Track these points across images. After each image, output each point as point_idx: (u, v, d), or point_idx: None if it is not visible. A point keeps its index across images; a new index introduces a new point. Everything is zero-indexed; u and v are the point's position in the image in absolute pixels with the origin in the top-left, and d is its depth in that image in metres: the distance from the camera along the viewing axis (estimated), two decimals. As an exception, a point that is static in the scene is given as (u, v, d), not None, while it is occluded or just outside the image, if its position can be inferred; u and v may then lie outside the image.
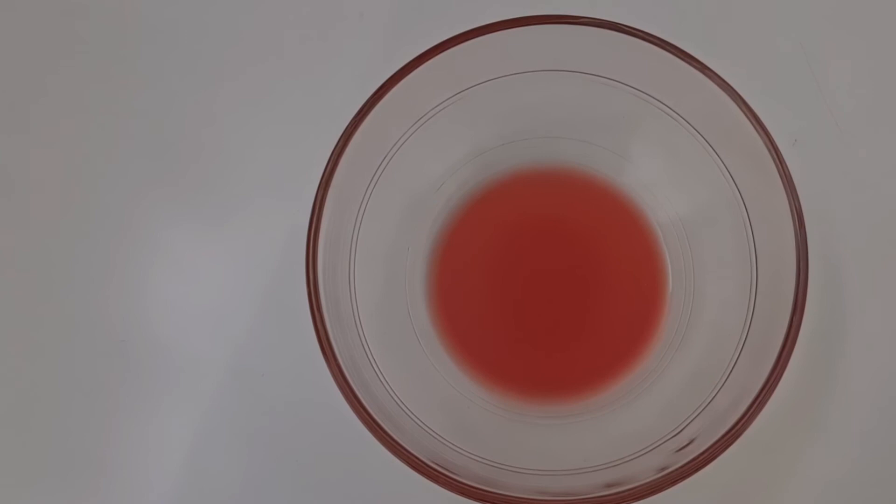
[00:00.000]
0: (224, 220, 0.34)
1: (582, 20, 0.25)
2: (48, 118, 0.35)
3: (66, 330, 0.34)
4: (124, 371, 0.34)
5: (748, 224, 0.28)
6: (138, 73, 0.35)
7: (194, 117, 0.35)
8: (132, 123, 0.35)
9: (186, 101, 0.35)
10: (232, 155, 0.34)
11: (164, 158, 0.35)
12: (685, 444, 0.26)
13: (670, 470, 0.25)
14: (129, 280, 0.34)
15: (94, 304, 0.34)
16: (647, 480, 0.25)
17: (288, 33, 0.35)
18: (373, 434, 0.25)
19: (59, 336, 0.34)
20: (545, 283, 0.32)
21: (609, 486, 0.25)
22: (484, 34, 0.26)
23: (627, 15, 0.26)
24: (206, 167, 0.34)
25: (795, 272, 0.25)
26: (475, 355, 0.32)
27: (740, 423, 0.25)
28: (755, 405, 0.25)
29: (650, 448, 0.27)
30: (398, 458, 0.25)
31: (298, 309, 0.26)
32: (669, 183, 0.31)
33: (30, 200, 0.35)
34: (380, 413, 0.25)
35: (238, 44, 0.35)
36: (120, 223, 0.34)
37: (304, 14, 0.35)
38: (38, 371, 0.34)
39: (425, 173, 0.31)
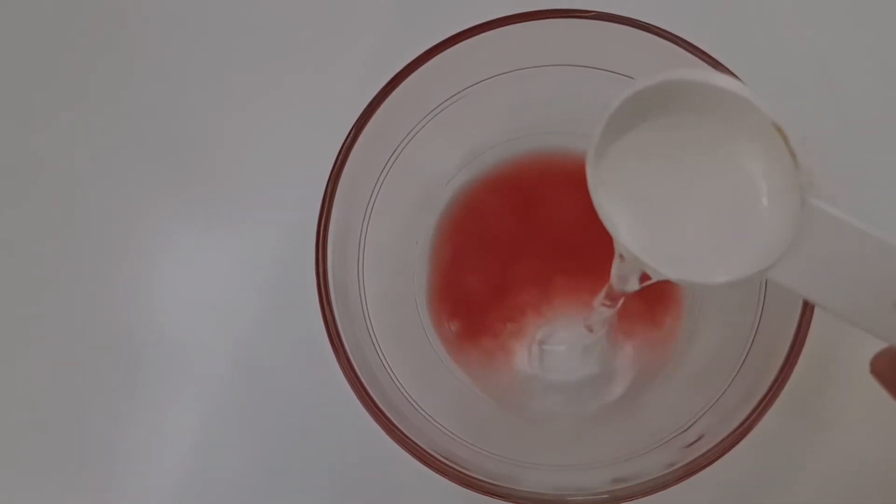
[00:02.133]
0: (233, 213, 0.34)
1: (591, 14, 0.25)
2: (55, 114, 0.35)
3: (74, 324, 0.34)
4: (132, 364, 0.34)
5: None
6: (146, 68, 0.35)
7: (204, 111, 0.35)
8: (140, 118, 0.35)
9: (197, 94, 0.35)
10: (241, 148, 0.34)
11: (173, 151, 0.35)
12: (694, 440, 0.26)
13: (678, 466, 0.25)
14: (137, 273, 0.34)
15: (102, 298, 0.34)
16: (655, 476, 0.25)
17: (299, 25, 0.35)
18: (381, 427, 0.25)
19: (66, 330, 0.34)
20: (555, 277, 0.32)
21: (617, 481, 0.25)
22: (494, 28, 0.26)
23: (636, 9, 0.26)
24: (214, 161, 0.35)
25: (806, 269, 0.25)
26: (483, 349, 0.32)
27: (749, 420, 0.25)
28: (764, 402, 0.25)
29: (659, 444, 0.27)
30: (406, 451, 0.25)
31: (307, 301, 0.26)
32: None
33: (37, 195, 0.35)
34: (388, 406, 0.25)
35: (248, 38, 0.35)
36: (128, 217, 0.34)
37: (314, 8, 0.35)
38: (46, 366, 0.34)
39: (435, 166, 0.31)
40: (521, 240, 0.33)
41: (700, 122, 0.20)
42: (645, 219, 0.21)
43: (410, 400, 0.27)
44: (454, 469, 0.25)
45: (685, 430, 0.27)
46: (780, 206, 0.20)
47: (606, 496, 0.24)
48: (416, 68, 0.26)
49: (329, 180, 0.26)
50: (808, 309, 0.25)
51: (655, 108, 0.20)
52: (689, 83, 0.20)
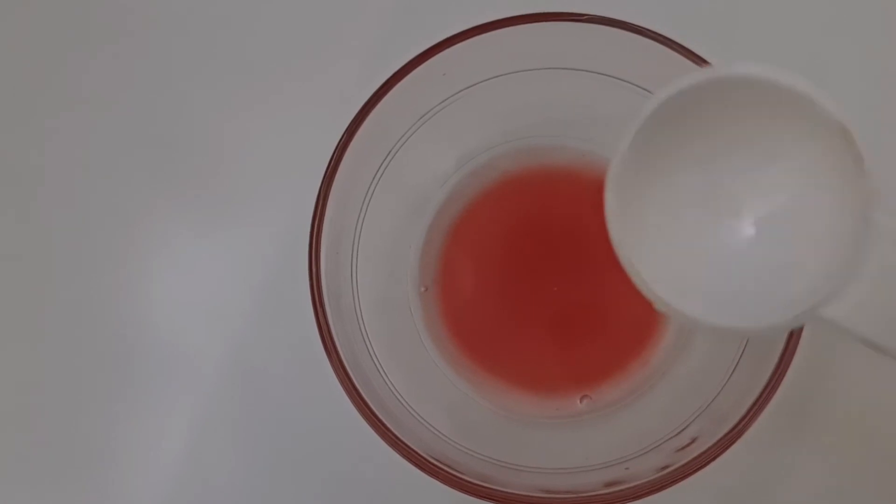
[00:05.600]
0: (227, 216, 0.34)
1: (585, 17, 0.25)
2: (51, 114, 0.36)
3: (68, 326, 0.34)
4: (126, 367, 0.34)
5: (752, 225, 0.28)
6: (143, 73, 0.35)
7: (198, 115, 0.35)
8: (136, 122, 0.35)
9: (190, 99, 0.35)
10: (235, 150, 0.35)
11: (168, 155, 0.35)
12: (686, 443, 0.26)
13: (671, 469, 0.25)
14: (132, 276, 0.34)
15: (97, 300, 0.34)
16: (648, 479, 0.25)
17: (292, 30, 0.35)
18: (374, 429, 0.25)
19: (60, 332, 0.34)
20: (548, 281, 0.32)
21: (609, 484, 0.25)
22: (487, 31, 0.26)
23: (632, 13, 0.26)
24: (208, 165, 0.35)
25: (799, 273, 0.25)
26: (477, 353, 0.32)
27: (742, 423, 0.25)
28: (757, 406, 0.25)
29: (651, 447, 0.27)
30: (399, 454, 0.25)
31: (301, 304, 0.26)
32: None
33: (32, 195, 0.35)
34: (381, 409, 0.25)
35: (242, 41, 0.35)
36: (121, 218, 0.35)
37: (307, 11, 0.35)
38: (38, 366, 0.34)
39: (429, 170, 0.31)
40: (517, 241, 0.33)
41: (735, 135, 0.18)
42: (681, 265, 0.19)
43: (403, 403, 0.27)
44: (447, 472, 0.25)
45: (678, 434, 0.27)
46: (835, 228, 0.17)
47: (599, 499, 0.25)
48: (409, 72, 0.26)
49: (322, 184, 0.26)
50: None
51: (680, 124, 0.18)
52: (744, 80, 0.17)
